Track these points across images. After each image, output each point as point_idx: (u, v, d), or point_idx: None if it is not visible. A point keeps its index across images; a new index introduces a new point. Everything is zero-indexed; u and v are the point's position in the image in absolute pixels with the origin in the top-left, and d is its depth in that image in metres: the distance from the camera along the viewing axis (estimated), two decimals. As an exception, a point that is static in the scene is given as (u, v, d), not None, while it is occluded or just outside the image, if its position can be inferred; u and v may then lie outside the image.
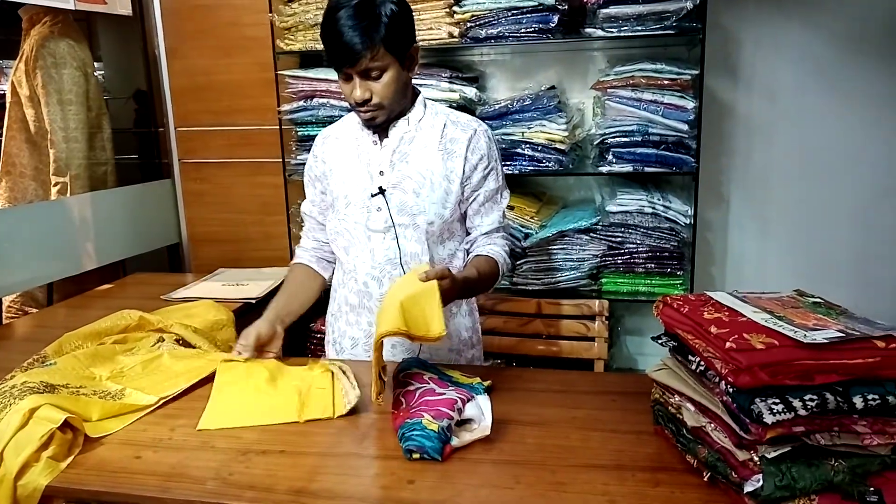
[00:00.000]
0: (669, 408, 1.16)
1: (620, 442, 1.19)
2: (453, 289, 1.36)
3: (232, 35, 2.65)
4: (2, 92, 2.76)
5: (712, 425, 1.04)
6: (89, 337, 1.69)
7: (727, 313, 1.09)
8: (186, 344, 1.74)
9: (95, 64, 3.17)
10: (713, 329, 1.03)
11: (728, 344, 0.98)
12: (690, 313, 1.11)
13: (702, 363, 1.06)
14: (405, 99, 1.52)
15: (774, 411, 0.93)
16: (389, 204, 1.52)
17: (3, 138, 2.57)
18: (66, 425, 1.20)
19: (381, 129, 1.55)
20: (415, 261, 1.55)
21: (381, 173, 1.54)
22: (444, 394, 1.26)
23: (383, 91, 1.44)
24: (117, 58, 3.21)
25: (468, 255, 1.64)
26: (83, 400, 1.32)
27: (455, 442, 1.15)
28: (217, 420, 1.30)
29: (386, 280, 1.56)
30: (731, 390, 0.98)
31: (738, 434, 0.97)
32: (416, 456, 1.12)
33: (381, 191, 1.52)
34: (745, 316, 1.07)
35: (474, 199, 1.58)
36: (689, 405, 1.10)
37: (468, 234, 1.64)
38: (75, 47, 2.55)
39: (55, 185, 2.53)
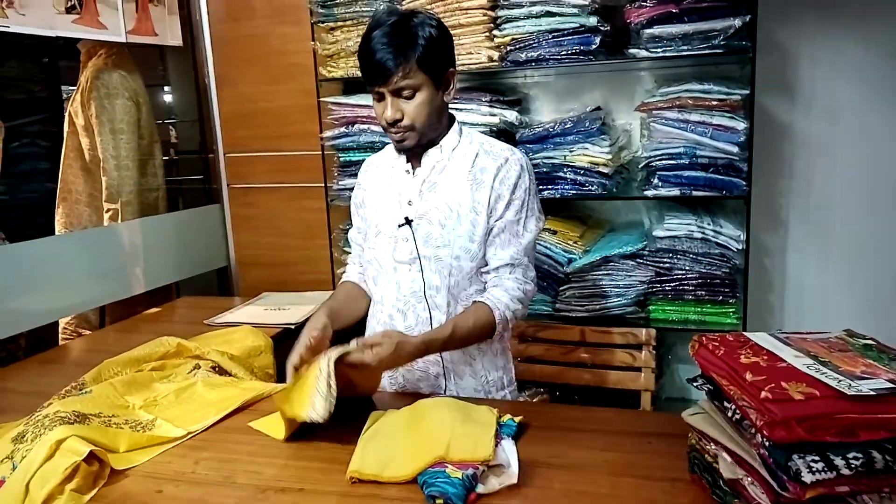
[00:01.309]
0: (706, 456, 1.08)
1: (653, 490, 1.12)
2: (399, 354, 1.33)
3: (278, 63, 2.69)
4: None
5: (749, 479, 0.97)
6: (128, 364, 1.72)
7: (766, 357, 1.01)
8: (223, 371, 1.75)
9: (166, 88, 3.30)
10: (749, 375, 0.96)
11: (763, 393, 0.91)
12: (726, 356, 1.04)
13: (737, 411, 0.98)
14: (439, 124, 1.49)
15: (814, 469, 0.85)
16: (416, 235, 1.48)
17: (61, 166, 2.67)
18: (92, 457, 1.22)
19: (414, 156, 1.52)
20: (439, 294, 1.50)
21: (410, 203, 1.51)
22: None
23: (414, 112, 1.41)
24: (184, 82, 3.31)
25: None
26: (112, 431, 1.33)
27: (481, 489, 1.11)
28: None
29: (410, 313, 1.52)
30: (766, 444, 0.91)
31: (776, 491, 0.90)
32: (439, 502, 1.08)
33: (408, 221, 1.48)
34: (785, 361, 0.99)
35: (492, 228, 1.49)
36: (725, 455, 1.03)
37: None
38: (127, 78, 2.64)
39: (107, 211, 2.61)
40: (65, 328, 2.67)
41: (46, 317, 2.28)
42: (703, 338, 1.12)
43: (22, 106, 2.90)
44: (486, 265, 1.52)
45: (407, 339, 1.35)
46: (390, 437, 1.27)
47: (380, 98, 1.42)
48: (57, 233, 2.67)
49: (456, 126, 1.53)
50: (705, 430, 1.08)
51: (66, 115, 2.66)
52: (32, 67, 2.95)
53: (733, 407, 1.00)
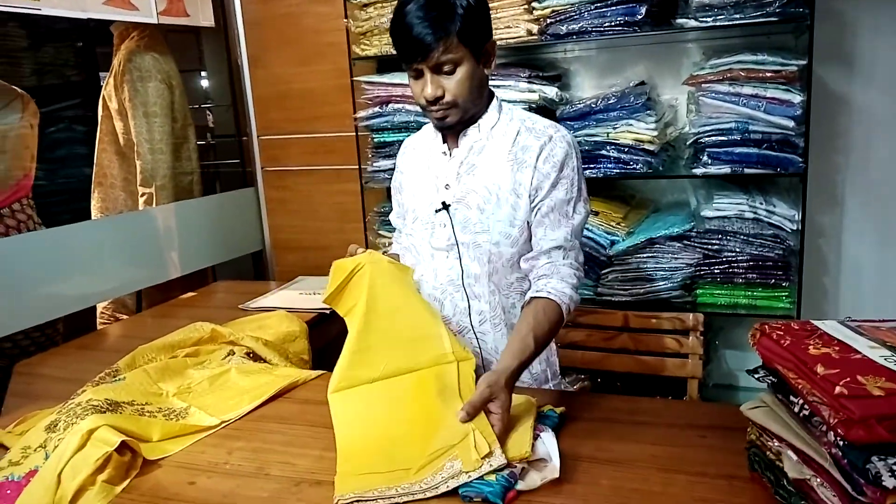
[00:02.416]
0: (768, 453, 1.01)
1: (708, 489, 1.05)
2: (509, 390, 1.18)
3: (311, 42, 2.64)
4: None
5: (818, 480, 0.89)
6: (162, 350, 1.70)
7: (837, 348, 0.93)
8: (257, 357, 1.73)
9: (203, 73, 3.28)
10: (820, 368, 0.88)
11: (838, 389, 0.83)
12: (792, 347, 0.95)
13: (806, 407, 0.90)
14: (480, 100, 1.40)
15: (896, 473, 0.77)
16: (453, 220, 1.40)
17: (96, 150, 2.67)
18: (124, 446, 1.19)
19: (451, 137, 1.44)
20: (479, 283, 1.42)
21: (447, 186, 1.43)
22: None
23: (456, 88, 1.32)
24: (217, 64, 3.28)
25: (528, 283, 1.44)
26: (144, 420, 1.31)
27: (521, 486, 1.04)
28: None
29: (447, 302, 1.45)
30: (841, 443, 0.82)
31: (851, 494, 0.82)
32: (476, 501, 1.02)
33: (445, 206, 1.41)
34: (859, 352, 0.91)
35: (538, 208, 1.39)
36: (790, 453, 0.95)
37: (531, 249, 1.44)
38: (160, 60, 2.61)
39: (142, 195, 2.60)
40: (102, 312, 2.68)
41: (83, 301, 2.28)
42: (766, 326, 1.03)
43: (58, 91, 2.91)
44: (534, 248, 1.41)
45: (499, 374, 1.18)
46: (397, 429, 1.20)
47: (418, 75, 1.34)
48: (93, 217, 2.68)
49: (495, 102, 1.44)
50: (767, 426, 1.00)
51: (101, 98, 2.64)
52: (67, 52, 2.95)
53: (801, 402, 0.92)
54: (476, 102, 1.39)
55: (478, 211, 1.40)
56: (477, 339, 1.45)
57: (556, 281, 1.36)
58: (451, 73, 1.32)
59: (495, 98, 1.46)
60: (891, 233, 2.34)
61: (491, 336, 1.45)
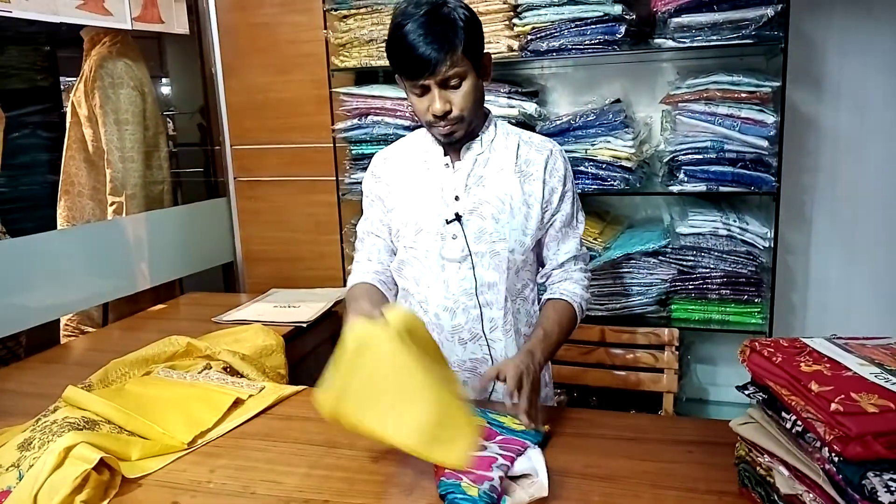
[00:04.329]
0: (758, 468, 1.02)
1: (699, 504, 1.06)
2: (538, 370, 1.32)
3: (288, 52, 2.62)
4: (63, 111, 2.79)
5: (811, 495, 0.90)
6: (136, 364, 1.66)
7: (828, 365, 0.95)
8: (234, 371, 1.69)
9: (164, 80, 3.21)
10: (814, 386, 0.89)
11: (833, 406, 0.84)
12: (784, 364, 0.97)
13: (799, 423, 0.92)
14: (481, 112, 1.44)
15: (892, 489, 0.79)
16: (466, 231, 1.42)
17: (63, 158, 2.59)
18: (103, 465, 1.15)
19: (453, 149, 1.46)
20: (492, 290, 1.44)
21: (457, 198, 1.44)
22: (486, 448, 1.13)
23: (463, 101, 1.34)
24: (189, 72, 3.22)
25: (541, 293, 1.54)
26: (123, 438, 1.27)
27: (508, 502, 1.04)
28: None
29: (460, 312, 1.45)
30: (836, 459, 0.84)
31: (845, 510, 0.83)
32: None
33: (458, 217, 1.42)
34: (849, 370, 0.93)
35: (551, 224, 1.48)
36: (781, 468, 0.96)
37: (541, 263, 1.54)
38: (132, 67, 2.55)
39: (111, 204, 2.53)
40: (66, 325, 2.59)
41: (48, 314, 2.20)
42: (756, 343, 1.05)
43: (22, 95, 2.82)
44: (548, 262, 1.52)
45: (525, 356, 1.31)
46: (378, 385, 1.08)
47: (423, 92, 1.35)
48: (59, 227, 2.60)
49: (491, 118, 1.49)
50: (758, 442, 1.01)
51: (69, 105, 2.57)
52: (34, 55, 2.87)
53: (793, 418, 0.93)
54: (478, 115, 1.43)
55: (493, 221, 1.43)
56: (488, 345, 1.47)
57: (569, 284, 1.50)
58: (458, 86, 1.34)
59: (490, 114, 1.50)
60: (856, 251, 2.41)
61: (502, 343, 1.48)
